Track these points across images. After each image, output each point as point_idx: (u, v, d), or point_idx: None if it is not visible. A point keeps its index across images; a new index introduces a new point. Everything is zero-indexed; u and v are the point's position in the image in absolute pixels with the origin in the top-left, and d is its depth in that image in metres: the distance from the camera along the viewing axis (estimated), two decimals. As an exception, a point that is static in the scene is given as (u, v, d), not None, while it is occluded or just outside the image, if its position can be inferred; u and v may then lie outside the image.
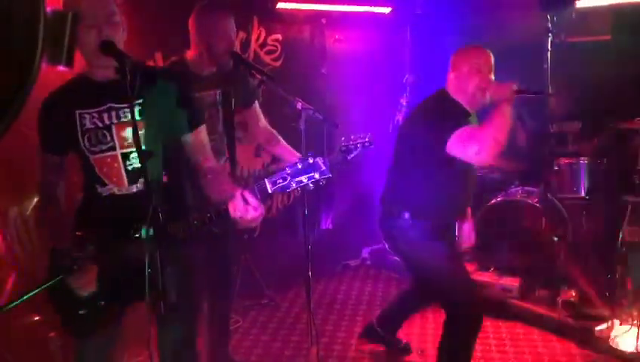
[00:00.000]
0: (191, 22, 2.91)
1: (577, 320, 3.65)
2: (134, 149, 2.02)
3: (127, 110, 2.04)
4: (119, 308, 2.13)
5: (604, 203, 3.94)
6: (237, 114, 3.09)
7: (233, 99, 3.00)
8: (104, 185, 2.08)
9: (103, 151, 2.06)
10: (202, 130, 2.20)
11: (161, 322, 2.12)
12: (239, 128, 3.26)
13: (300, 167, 1.89)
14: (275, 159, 4.10)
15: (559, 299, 3.74)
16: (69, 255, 2.00)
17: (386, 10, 5.04)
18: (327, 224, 5.07)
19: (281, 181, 1.90)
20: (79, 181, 2.15)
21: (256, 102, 3.20)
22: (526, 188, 4.23)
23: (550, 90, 3.88)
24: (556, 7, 3.85)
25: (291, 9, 4.58)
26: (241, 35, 4.18)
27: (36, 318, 2.85)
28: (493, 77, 2.89)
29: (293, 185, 1.90)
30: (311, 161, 1.89)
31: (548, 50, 3.78)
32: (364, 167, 4.93)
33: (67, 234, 2.07)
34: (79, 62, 2.03)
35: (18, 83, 0.93)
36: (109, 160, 2.06)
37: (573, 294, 3.72)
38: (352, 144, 2.48)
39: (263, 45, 4.44)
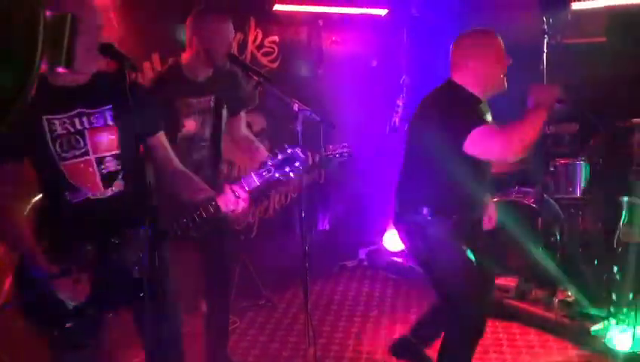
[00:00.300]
0: (189, 24, 2.89)
1: (573, 320, 3.67)
2: (108, 153, 2.06)
3: (98, 115, 2.05)
4: (104, 315, 2.12)
5: (600, 203, 3.96)
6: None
7: (225, 106, 3.00)
8: (75, 190, 2.05)
9: (76, 157, 2.04)
10: (162, 133, 2.24)
11: (146, 322, 2.10)
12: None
13: (280, 157, 2.11)
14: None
15: (556, 299, 3.77)
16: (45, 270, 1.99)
17: (383, 12, 5.05)
18: (324, 225, 5.07)
19: (265, 173, 2.11)
20: (17, 191, 2.09)
21: (243, 111, 3.18)
22: (522, 188, 4.23)
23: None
24: (555, 7, 3.86)
25: (288, 11, 4.58)
26: (239, 36, 4.17)
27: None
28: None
29: (277, 175, 2.11)
30: (289, 151, 2.11)
31: (544, 51, 3.79)
32: (361, 167, 4.94)
33: (32, 247, 2.01)
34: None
35: (19, 83, 0.93)
36: (82, 165, 2.05)
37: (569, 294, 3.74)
38: (331, 154, 2.65)
39: (260, 47, 4.45)
